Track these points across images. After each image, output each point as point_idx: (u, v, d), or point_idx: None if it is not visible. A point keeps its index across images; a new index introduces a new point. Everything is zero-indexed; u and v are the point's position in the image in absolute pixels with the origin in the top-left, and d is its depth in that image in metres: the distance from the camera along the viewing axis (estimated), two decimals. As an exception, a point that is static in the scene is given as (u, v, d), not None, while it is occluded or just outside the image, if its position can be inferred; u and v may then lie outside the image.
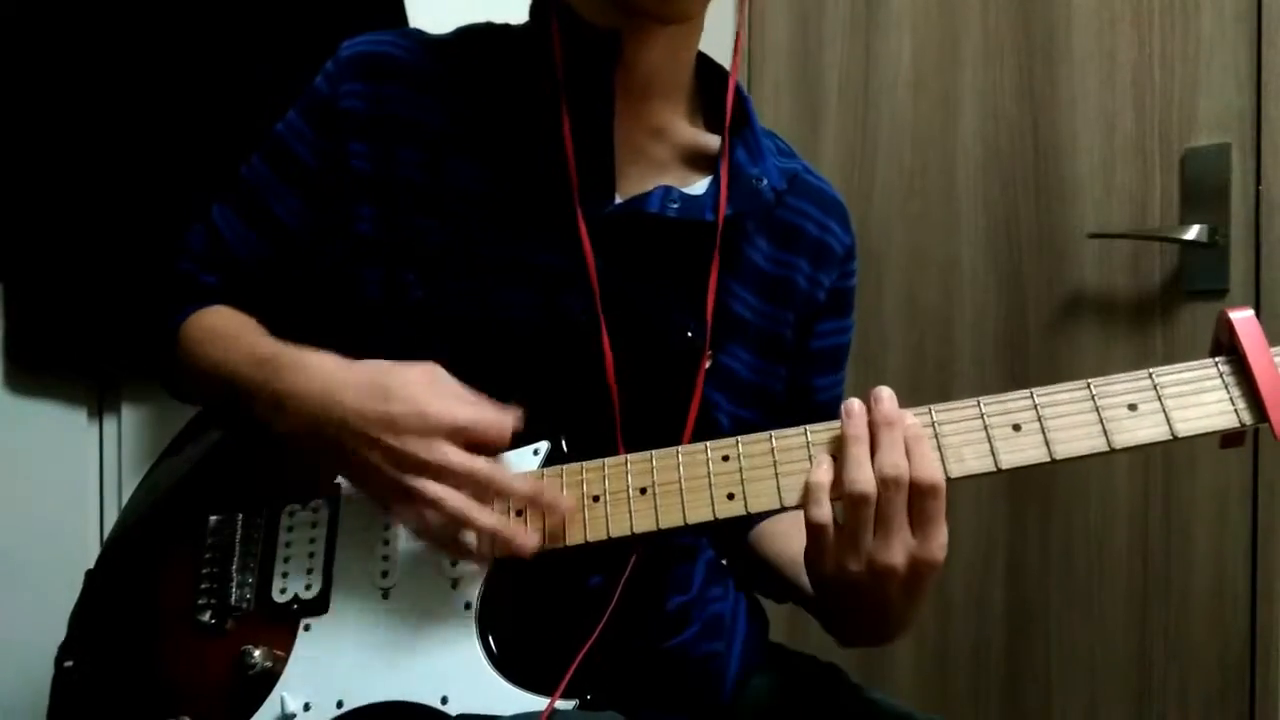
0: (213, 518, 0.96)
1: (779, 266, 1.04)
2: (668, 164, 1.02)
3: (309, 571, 0.90)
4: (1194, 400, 0.79)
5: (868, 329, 1.77)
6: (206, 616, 0.91)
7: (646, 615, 0.94)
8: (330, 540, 0.91)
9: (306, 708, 0.85)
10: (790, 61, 1.94)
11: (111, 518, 1.48)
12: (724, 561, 1.06)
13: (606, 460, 0.86)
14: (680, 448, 0.86)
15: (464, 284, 0.95)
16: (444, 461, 0.81)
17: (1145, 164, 1.50)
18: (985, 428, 0.81)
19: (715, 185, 0.99)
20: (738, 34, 1.06)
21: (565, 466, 0.87)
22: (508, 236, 0.96)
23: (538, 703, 0.81)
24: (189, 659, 0.91)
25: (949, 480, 0.80)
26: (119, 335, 1.39)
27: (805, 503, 0.81)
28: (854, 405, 0.81)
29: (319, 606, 0.89)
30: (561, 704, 0.81)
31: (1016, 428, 0.80)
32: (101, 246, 1.38)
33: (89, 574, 1.00)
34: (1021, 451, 0.80)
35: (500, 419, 0.84)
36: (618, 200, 0.98)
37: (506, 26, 1.05)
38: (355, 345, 0.97)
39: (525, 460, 0.88)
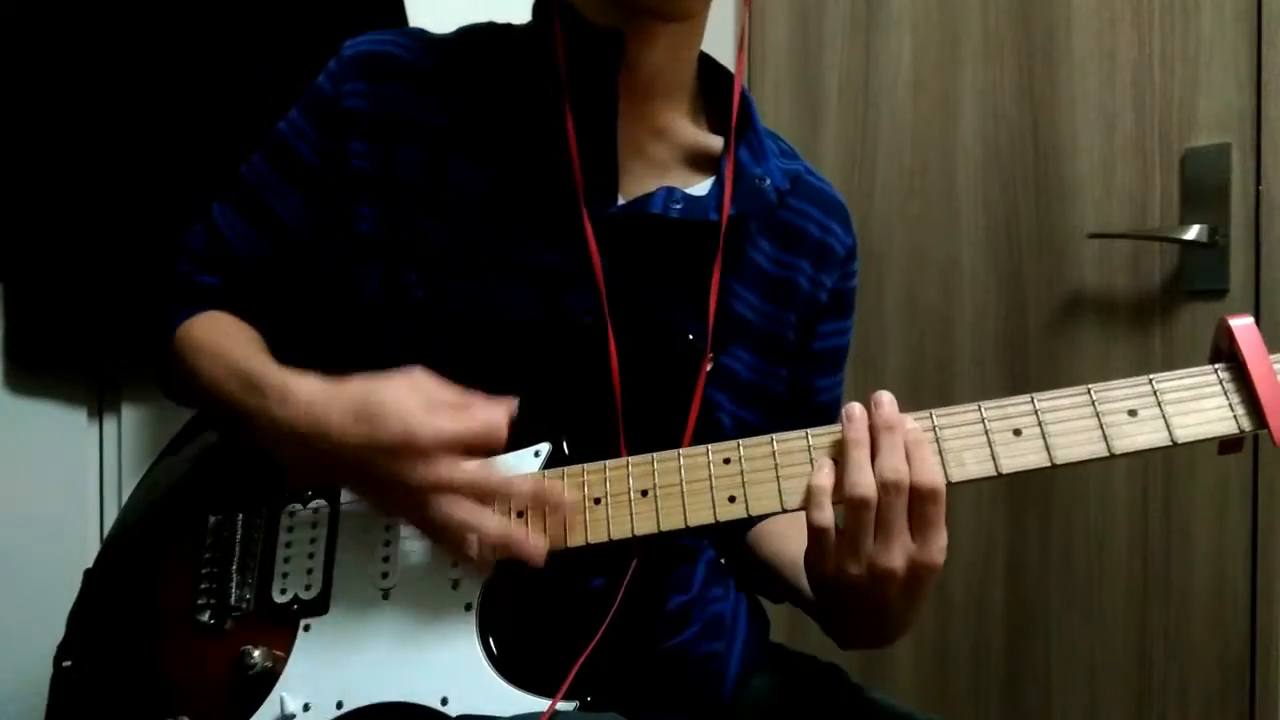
0: (212, 517, 0.96)
1: (781, 267, 1.04)
2: (669, 164, 1.02)
3: (309, 572, 0.90)
4: (1193, 406, 0.79)
5: (868, 329, 1.77)
6: (206, 616, 0.91)
7: (647, 615, 0.94)
8: (330, 540, 0.91)
9: (306, 708, 0.85)
10: (790, 61, 1.94)
11: (111, 517, 1.48)
12: (723, 562, 1.06)
13: (608, 462, 0.86)
14: (682, 450, 0.86)
15: (465, 284, 0.95)
16: (438, 480, 0.81)
17: (1145, 164, 1.50)
18: (986, 432, 0.81)
19: (717, 186, 0.99)
20: (741, 34, 1.06)
21: (566, 468, 0.87)
22: (509, 236, 0.96)
23: (538, 704, 0.81)
24: (188, 659, 0.91)
25: (950, 484, 0.80)
26: (119, 335, 1.39)
27: (807, 506, 0.81)
28: (855, 409, 0.81)
29: (319, 607, 0.89)
30: (562, 705, 0.81)
31: (1017, 432, 0.81)
32: (101, 246, 1.37)
33: (88, 573, 1.00)
34: (1022, 456, 0.80)
35: (491, 421, 0.83)
36: (620, 201, 0.98)
37: (509, 26, 1.05)
38: (355, 346, 0.98)
39: (526, 462, 0.88)
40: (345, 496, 0.92)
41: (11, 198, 1.37)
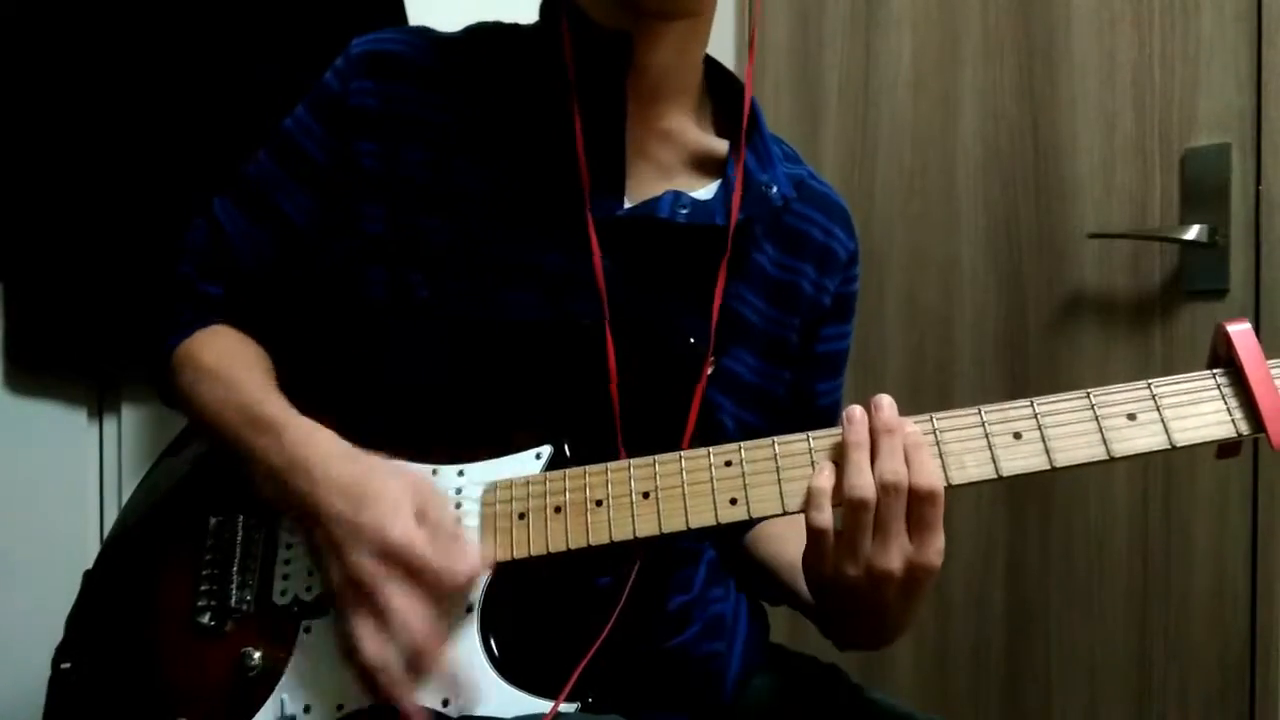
0: (213, 519, 0.96)
1: (785, 272, 1.04)
2: (675, 167, 1.02)
3: (310, 573, 0.90)
4: (1192, 411, 0.80)
5: (868, 330, 1.77)
6: (206, 618, 0.91)
7: (648, 615, 0.94)
8: (331, 542, 0.91)
9: (307, 710, 0.85)
10: (790, 61, 1.94)
11: (111, 518, 1.48)
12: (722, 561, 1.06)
13: (609, 464, 0.86)
14: (683, 452, 0.86)
15: (468, 284, 0.95)
16: (384, 601, 0.79)
17: (1145, 164, 1.50)
18: (986, 435, 0.81)
19: (723, 190, 0.99)
20: (752, 36, 1.06)
21: (568, 470, 0.87)
22: (514, 237, 0.96)
23: (539, 705, 0.81)
24: (188, 661, 0.90)
25: (951, 487, 0.81)
26: (119, 335, 1.39)
27: (806, 508, 0.81)
28: (855, 412, 0.81)
29: (320, 609, 0.88)
30: (564, 706, 0.81)
31: (1017, 436, 0.81)
32: (102, 246, 1.38)
33: (87, 575, 1.00)
34: (1022, 459, 0.81)
35: (454, 572, 0.81)
36: (626, 203, 0.98)
37: (516, 26, 1.05)
38: (358, 346, 0.98)
39: (528, 464, 0.89)
40: None
41: (12, 197, 1.37)
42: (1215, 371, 0.81)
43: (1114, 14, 1.53)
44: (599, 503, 0.86)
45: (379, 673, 0.79)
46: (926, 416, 0.82)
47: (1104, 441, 0.80)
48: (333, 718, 0.85)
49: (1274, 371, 0.79)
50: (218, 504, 0.96)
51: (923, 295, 1.75)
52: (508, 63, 1.01)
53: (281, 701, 0.86)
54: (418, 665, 0.79)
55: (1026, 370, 1.62)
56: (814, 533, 0.81)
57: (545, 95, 0.98)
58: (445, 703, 0.83)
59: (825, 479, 0.81)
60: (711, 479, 0.84)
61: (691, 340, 0.94)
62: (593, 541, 0.85)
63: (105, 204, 1.37)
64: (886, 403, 0.81)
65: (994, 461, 0.81)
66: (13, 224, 1.37)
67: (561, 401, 0.92)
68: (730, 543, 1.09)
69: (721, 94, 1.06)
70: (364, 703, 0.84)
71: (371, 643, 0.79)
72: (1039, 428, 0.81)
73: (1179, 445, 0.80)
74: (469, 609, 0.85)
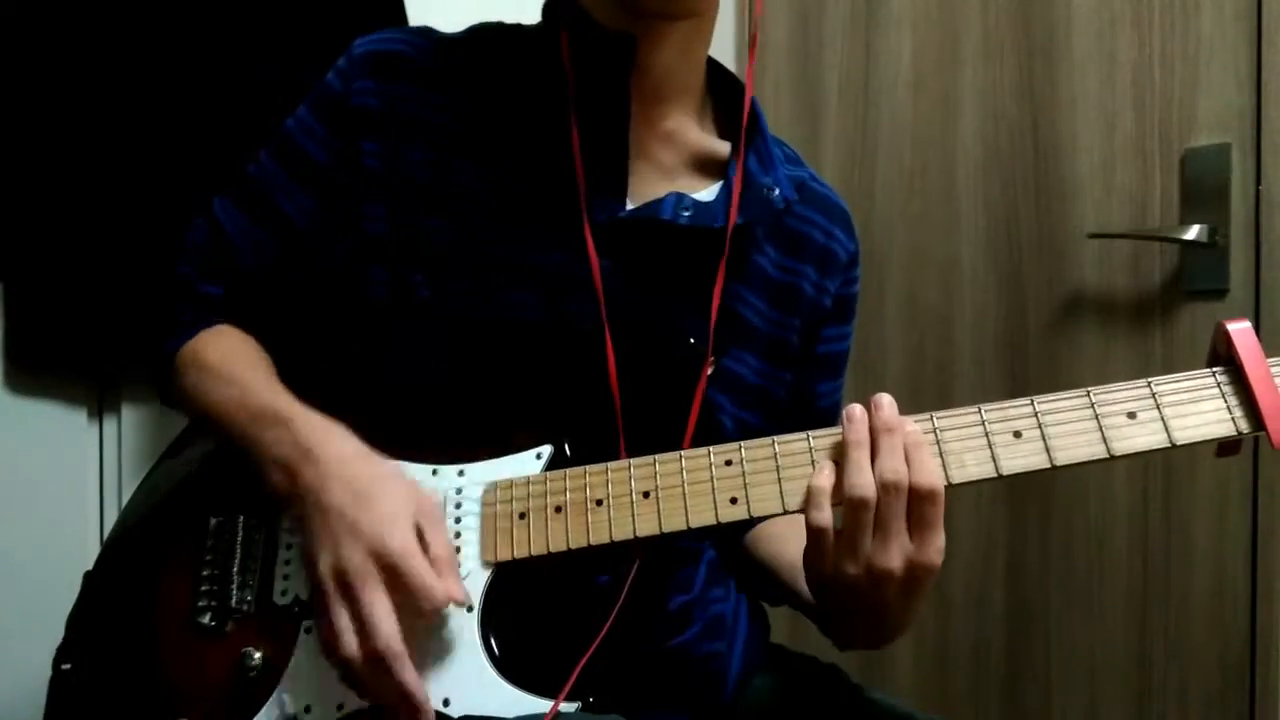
0: (213, 519, 0.96)
1: (786, 273, 1.04)
2: (676, 168, 1.02)
3: (310, 574, 0.90)
4: (1192, 409, 0.80)
5: (868, 330, 1.77)
6: (207, 618, 0.91)
7: (648, 615, 0.94)
8: (331, 542, 0.91)
9: (307, 710, 0.86)
10: (790, 61, 1.94)
11: (111, 518, 1.48)
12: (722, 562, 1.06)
13: (610, 464, 0.87)
14: (684, 452, 0.86)
15: (469, 284, 0.95)
16: (365, 597, 0.80)
17: (1145, 164, 1.50)
18: (986, 434, 0.81)
19: (725, 191, 0.99)
20: (753, 38, 1.06)
21: (568, 470, 0.87)
22: (515, 238, 0.96)
23: (540, 705, 0.81)
24: (189, 661, 0.90)
25: (951, 485, 0.81)
26: (119, 335, 1.39)
27: (806, 507, 0.81)
28: (855, 411, 0.81)
29: (320, 609, 0.89)
30: (564, 706, 0.81)
31: (1017, 434, 0.81)
32: (102, 246, 1.38)
33: (88, 575, 1.00)
34: (1022, 458, 0.81)
35: (437, 594, 0.81)
36: (629, 205, 0.98)
37: (519, 27, 1.05)
38: (358, 346, 0.98)
39: (528, 464, 0.89)
40: None
41: (12, 197, 1.37)
42: (1215, 370, 0.81)
43: (1114, 14, 1.53)
44: (599, 502, 0.86)
45: (356, 665, 0.80)
46: (926, 415, 0.82)
47: (1104, 440, 0.80)
48: (333, 717, 0.85)
49: (1274, 370, 0.79)
50: (218, 504, 0.96)
51: (923, 295, 1.75)
52: (510, 63, 1.01)
53: (282, 701, 0.86)
54: (384, 669, 0.79)
55: (1026, 370, 1.62)
56: (814, 532, 0.81)
57: (546, 96, 0.98)
58: (446, 702, 0.83)
59: (825, 478, 0.81)
60: (712, 478, 0.84)
61: (691, 341, 0.94)
62: (593, 541, 0.85)
63: (105, 204, 1.37)
64: (886, 401, 0.81)
65: (994, 460, 0.81)
66: (13, 224, 1.37)
67: (562, 402, 0.92)
68: (730, 543, 1.09)
69: (723, 95, 1.06)
70: (364, 702, 0.84)
71: (350, 636, 0.79)
72: (1039, 426, 0.81)
73: (1179, 444, 0.80)
74: (469, 609, 0.85)
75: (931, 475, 0.79)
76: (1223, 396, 0.80)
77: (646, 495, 0.85)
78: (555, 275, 0.95)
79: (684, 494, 0.84)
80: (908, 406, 0.82)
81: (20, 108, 1.36)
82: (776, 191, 1.00)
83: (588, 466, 0.87)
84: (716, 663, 1.00)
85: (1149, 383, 0.81)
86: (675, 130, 1.02)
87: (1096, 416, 0.80)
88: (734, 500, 0.84)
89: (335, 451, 0.85)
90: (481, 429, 0.91)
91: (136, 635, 0.93)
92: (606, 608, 0.86)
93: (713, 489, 0.84)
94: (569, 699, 0.81)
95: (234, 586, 0.92)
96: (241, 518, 0.95)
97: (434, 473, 0.90)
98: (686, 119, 1.03)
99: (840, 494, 0.80)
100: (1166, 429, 0.80)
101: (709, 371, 0.94)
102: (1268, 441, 0.78)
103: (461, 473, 0.90)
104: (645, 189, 0.99)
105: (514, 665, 0.84)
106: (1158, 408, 0.80)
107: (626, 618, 0.86)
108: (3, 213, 1.37)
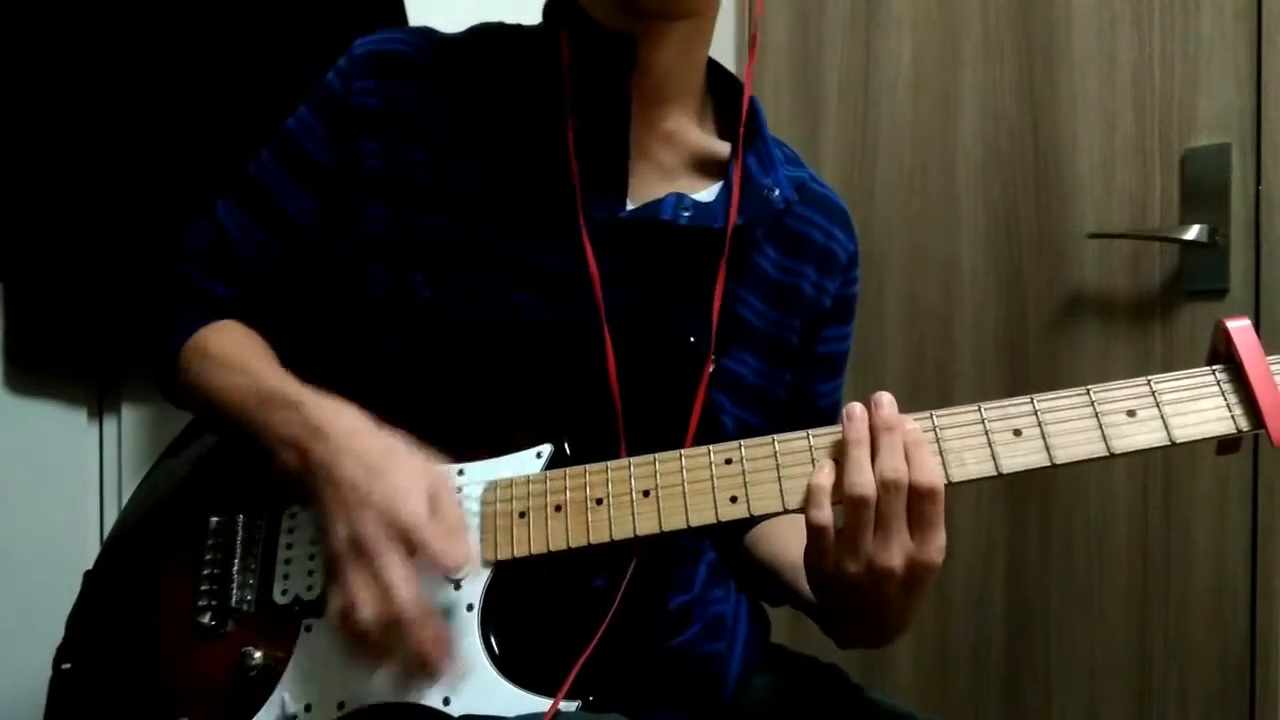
0: (213, 519, 0.96)
1: (786, 274, 1.04)
2: (676, 168, 1.02)
3: (310, 573, 0.90)
4: (1192, 407, 0.80)
5: (868, 330, 1.77)
6: (207, 618, 0.91)
7: (648, 615, 0.95)
8: (332, 541, 0.91)
9: (308, 709, 0.85)
10: (790, 61, 1.94)
11: (111, 518, 1.48)
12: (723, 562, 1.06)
13: (609, 463, 0.87)
14: (683, 451, 0.86)
15: (469, 284, 0.95)
16: (382, 564, 0.80)
17: (1145, 164, 1.50)
18: (986, 433, 0.81)
19: (725, 192, 0.99)
20: (753, 37, 1.06)
21: (568, 469, 0.87)
22: (515, 237, 0.96)
23: (540, 704, 0.81)
24: (189, 660, 0.91)
25: (951, 484, 0.81)
26: (119, 335, 1.39)
27: (806, 505, 0.81)
28: (855, 409, 0.81)
29: (320, 608, 0.88)
30: (564, 705, 0.81)
31: (1017, 433, 0.81)
32: (102, 246, 1.38)
33: (88, 575, 1.00)
34: (1022, 456, 0.81)
35: (451, 558, 0.82)
36: (629, 205, 0.98)
37: (519, 27, 1.05)
38: (358, 345, 0.98)
39: (529, 463, 0.89)
40: None
41: (12, 197, 1.37)
42: (1215, 368, 0.81)
43: (1114, 14, 1.53)
44: (599, 501, 0.86)
45: (377, 632, 0.80)
46: (926, 414, 0.82)
47: (1104, 438, 0.80)
48: (333, 716, 0.85)
49: (1274, 368, 0.79)
50: (218, 504, 0.97)
51: (923, 295, 1.75)
52: (510, 64, 1.02)
53: (282, 700, 0.86)
54: (403, 632, 0.79)
55: (1026, 370, 1.62)
56: (814, 530, 0.81)
57: (547, 96, 0.98)
58: (446, 701, 0.83)
59: (825, 476, 0.81)
60: (712, 477, 0.84)
61: (692, 339, 0.95)
62: (593, 540, 0.85)
63: (105, 204, 1.37)
64: (886, 400, 0.81)
65: (994, 459, 0.81)
66: (13, 224, 1.37)
67: (562, 401, 0.92)
68: (731, 542, 1.09)
69: (723, 95, 1.06)
70: (365, 701, 0.84)
71: (366, 602, 0.79)
72: (1039, 425, 0.81)
73: (1179, 441, 0.80)
74: (469, 607, 0.85)
75: (931, 473, 0.79)
76: (1222, 394, 0.80)
77: (646, 494, 0.85)
78: (555, 275, 0.95)
79: (684, 493, 0.84)
80: (908, 406, 0.82)
81: (20, 108, 1.36)
82: (776, 192, 1.00)
83: (588, 466, 0.87)
84: (716, 663, 1.00)
85: (1149, 381, 0.81)
86: (675, 130, 1.02)
87: (1096, 415, 0.80)
88: (734, 499, 0.84)
89: (346, 427, 0.86)
90: (481, 428, 0.91)
91: (137, 635, 0.94)
92: (605, 607, 0.86)
93: (713, 488, 0.84)
94: (569, 698, 0.81)
95: (234, 586, 0.92)
96: (241, 517, 0.95)
97: (434, 472, 0.90)
98: (686, 119, 1.03)
99: (840, 492, 0.80)
100: (1166, 427, 0.80)
101: (710, 370, 0.94)
102: (1267, 439, 0.78)
103: (461, 472, 0.90)
104: (645, 189, 0.99)
105: (514, 664, 0.84)
106: (1157, 406, 0.80)
107: (627, 617, 0.86)
108: (3, 213, 1.37)
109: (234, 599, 0.91)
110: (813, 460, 0.83)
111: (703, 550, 1.02)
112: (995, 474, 0.81)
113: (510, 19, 1.06)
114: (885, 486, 0.79)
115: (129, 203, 1.37)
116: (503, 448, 0.90)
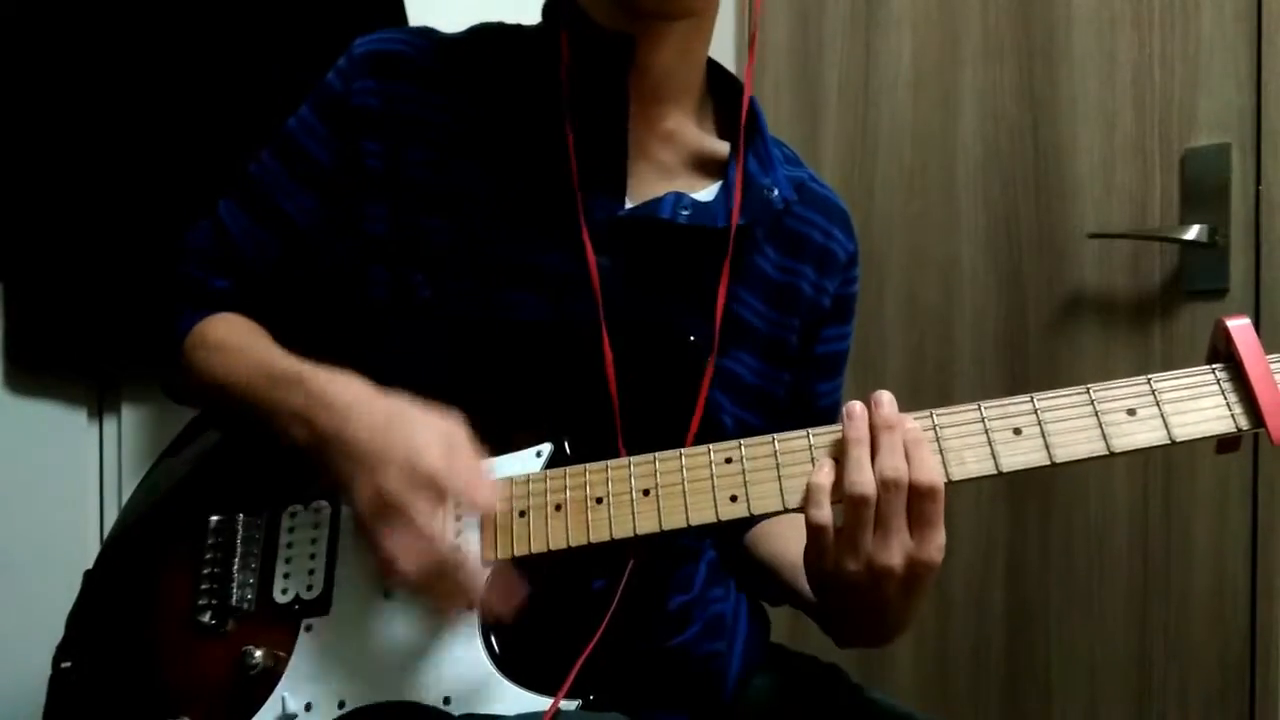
0: (213, 518, 0.96)
1: (785, 274, 1.04)
2: (676, 168, 1.02)
3: (310, 572, 0.90)
4: (1192, 406, 0.80)
5: (868, 330, 1.77)
6: (207, 617, 0.91)
7: (648, 615, 0.95)
8: (332, 540, 0.91)
9: (308, 708, 0.86)
10: (790, 61, 1.94)
11: (111, 518, 1.48)
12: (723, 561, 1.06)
13: (609, 462, 0.86)
14: (683, 450, 0.86)
15: (469, 284, 0.95)
16: (414, 513, 0.80)
17: (1145, 164, 1.50)
18: (986, 431, 0.81)
19: (724, 192, 0.99)
20: (753, 37, 1.06)
21: (568, 468, 0.87)
22: (515, 237, 0.96)
23: (540, 703, 0.81)
24: (189, 660, 0.90)
25: (950, 483, 0.80)
26: (119, 335, 1.39)
27: (806, 504, 0.81)
28: (855, 408, 0.81)
29: (321, 607, 0.89)
30: (565, 704, 0.81)
31: (1017, 431, 0.81)
32: (102, 246, 1.38)
33: (87, 574, 1.00)
34: (1022, 455, 0.80)
35: (477, 498, 0.83)
36: (628, 204, 0.98)
37: (519, 27, 1.05)
38: (359, 345, 0.98)
39: (528, 463, 0.89)
40: None
41: (12, 197, 1.37)
42: (1215, 367, 0.81)
43: (1114, 14, 1.53)
44: (599, 500, 0.86)
45: (421, 580, 0.81)
46: (926, 413, 0.82)
47: (1104, 437, 0.80)
48: (334, 715, 0.85)
49: (1274, 367, 0.79)
50: (218, 503, 0.96)
51: (923, 295, 1.75)
52: (510, 64, 1.02)
53: (283, 700, 0.86)
54: (449, 572, 0.81)
55: (1026, 370, 1.62)
56: (814, 529, 0.81)
57: (546, 96, 0.98)
58: (446, 700, 0.83)
59: (825, 475, 0.81)
60: (712, 476, 0.84)
61: (692, 338, 0.95)
62: (593, 539, 0.85)
63: (106, 204, 1.37)
64: (886, 399, 0.81)
65: (994, 457, 0.81)
66: (13, 224, 1.37)
67: (562, 400, 0.92)
68: (730, 542, 1.09)
69: (723, 95, 1.06)
70: (365, 700, 0.84)
71: (409, 553, 0.80)
72: (1039, 423, 0.81)
73: (1179, 440, 0.79)
74: (469, 606, 0.85)
75: (931, 472, 0.79)
76: (1222, 393, 0.80)
77: (646, 493, 0.85)
78: (555, 275, 0.95)
79: (684, 492, 0.84)
80: (908, 406, 0.82)
81: (20, 108, 1.36)
82: (776, 192, 1.00)
83: (588, 465, 0.87)
84: (716, 662, 1.00)
85: (1149, 380, 0.81)
86: (674, 130, 1.02)
87: (1096, 413, 0.80)
88: (734, 498, 0.83)
89: (351, 396, 0.86)
90: (481, 428, 0.91)
91: (137, 634, 0.94)
92: (605, 606, 0.86)
93: (713, 487, 0.84)
94: (569, 697, 0.81)
95: (234, 585, 0.92)
96: (242, 516, 0.95)
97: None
98: (686, 119, 1.03)
99: (840, 491, 0.80)
100: (1166, 426, 0.79)
101: (710, 370, 0.95)
102: (1267, 438, 0.78)
103: (462, 471, 0.90)
104: (644, 188, 0.99)
105: (514, 663, 0.84)
106: (1157, 405, 0.80)
107: (627, 617, 0.86)
108: (3, 213, 1.37)
109: (234, 598, 0.91)
110: (812, 459, 0.83)
111: (702, 550, 1.02)
112: (995, 473, 0.81)
113: (510, 19, 1.06)
114: (885, 485, 0.78)
115: (129, 203, 1.37)
116: (503, 447, 0.90)
